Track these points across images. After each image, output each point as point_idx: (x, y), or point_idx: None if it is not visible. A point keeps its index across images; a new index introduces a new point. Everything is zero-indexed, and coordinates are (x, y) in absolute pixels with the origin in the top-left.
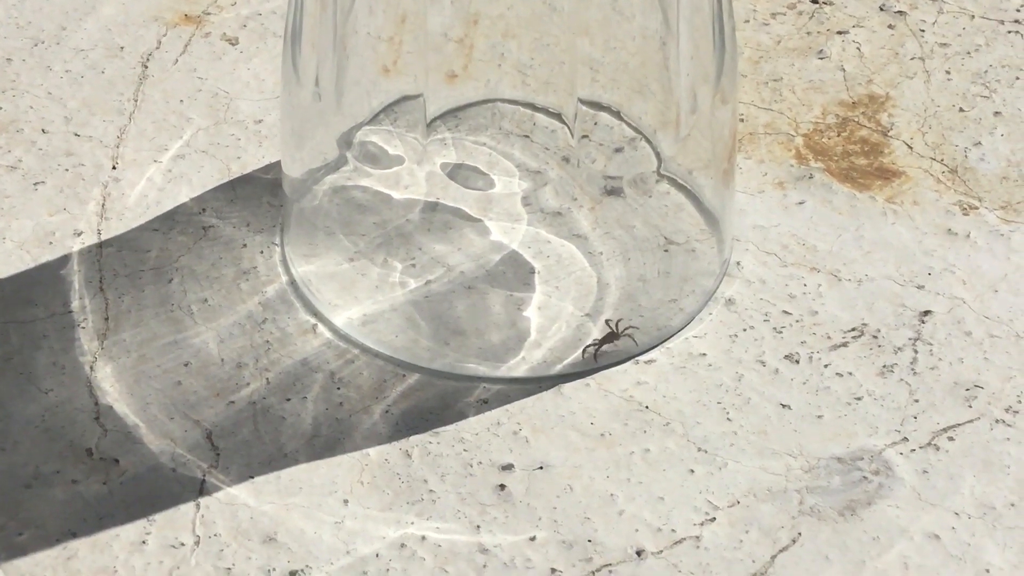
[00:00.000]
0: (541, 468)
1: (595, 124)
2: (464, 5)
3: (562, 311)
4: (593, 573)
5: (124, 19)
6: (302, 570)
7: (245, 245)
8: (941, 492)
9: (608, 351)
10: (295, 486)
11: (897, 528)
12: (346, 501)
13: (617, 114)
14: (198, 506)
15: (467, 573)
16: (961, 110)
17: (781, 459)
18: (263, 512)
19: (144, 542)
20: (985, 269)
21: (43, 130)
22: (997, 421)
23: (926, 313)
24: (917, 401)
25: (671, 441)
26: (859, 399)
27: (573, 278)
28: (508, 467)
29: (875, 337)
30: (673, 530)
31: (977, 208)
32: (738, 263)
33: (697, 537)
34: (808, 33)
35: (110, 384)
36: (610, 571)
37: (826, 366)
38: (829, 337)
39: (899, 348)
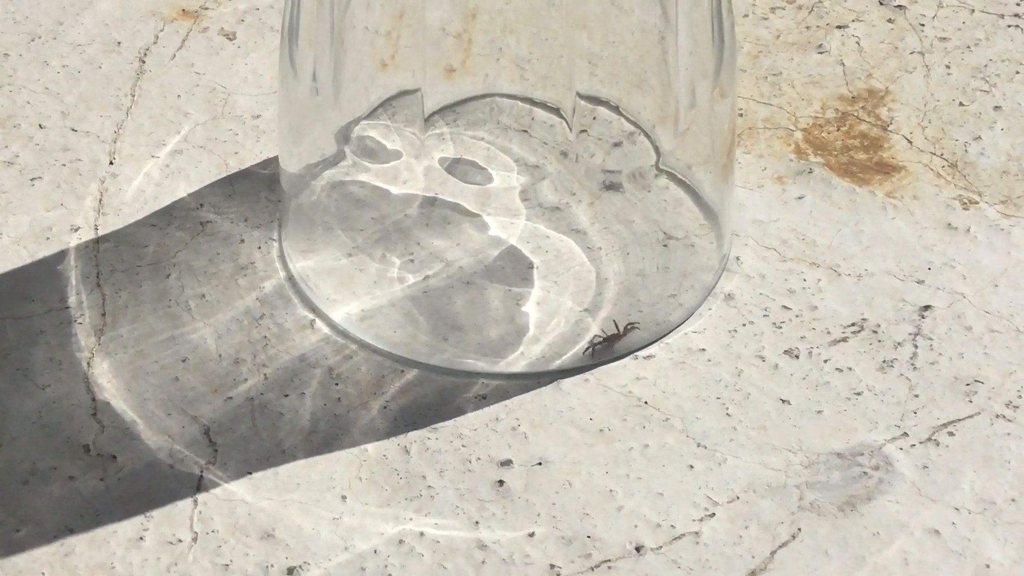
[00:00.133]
0: (540, 464)
1: (594, 119)
2: (462, 0)
3: (561, 306)
4: (592, 569)
5: (121, 14)
6: (300, 566)
7: (243, 240)
8: (941, 487)
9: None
10: (293, 482)
11: (897, 523)
12: (344, 497)
13: (616, 109)
14: (196, 502)
15: (465, 569)
16: (961, 104)
17: (781, 454)
18: (261, 508)
19: (141, 538)
20: (985, 264)
21: (40, 125)
22: (997, 416)
23: (926, 308)
24: (917, 396)
25: (670, 437)
26: (859, 394)
27: (572, 273)
28: (507, 463)
29: (875, 332)
30: (672, 526)
31: (977, 203)
32: (737, 258)
33: (696, 533)
34: (807, 28)
35: (107, 380)
36: (609, 567)
37: (826, 361)
38: (829, 332)
39: (899, 343)
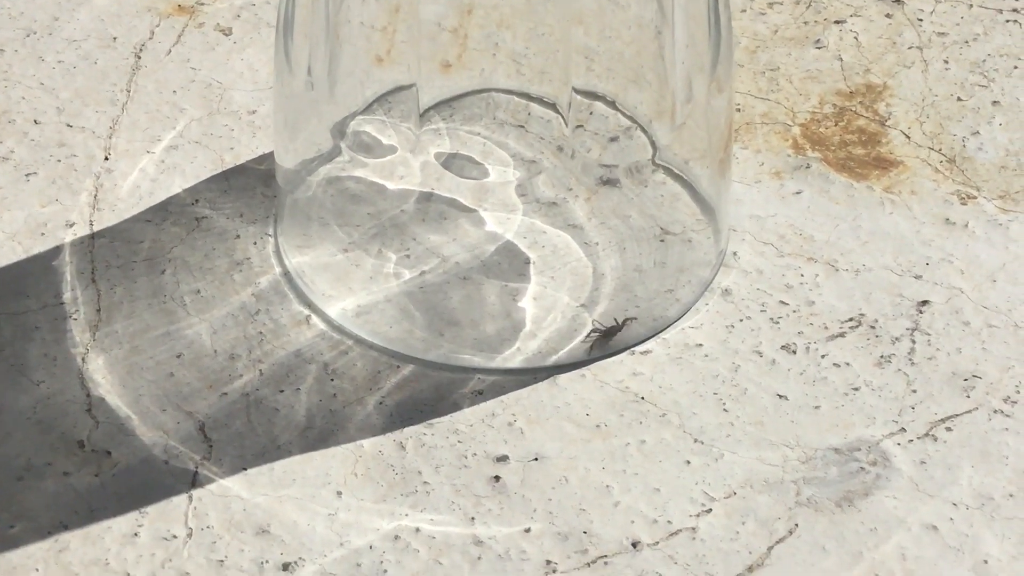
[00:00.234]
0: (536, 459)
1: (590, 113)
2: None
3: (557, 301)
4: (588, 565)
5: (117, 9)
6: (295, 562)
7: (238, 236)
8: (939, 483)
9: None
10: (288, 478)
11: (895, 519)
12: (340, 493)
13: (612, 103)
14: (191, 498)
15: (461, 565)
16: (959, 99)
17: (778, 450)
18: (256, 504)
19: (136, 534)
20: (983, 259)
21: (35, 121)
22: (995, 411)
23: (924, 303)
24: (915, 391)
25: (667, 432)
26: (856, 389)
27: (568, 268)
28: (503, 459)
29: (872, 327)
30: (669, 521)
31: (975, 197)
32: (735, 253)
33: (693, 528)
34: (805, 23)
35: (102, 376)
36: (606, 563)
37: (823, 356)
38: (826, 327)
39: (897, 338)
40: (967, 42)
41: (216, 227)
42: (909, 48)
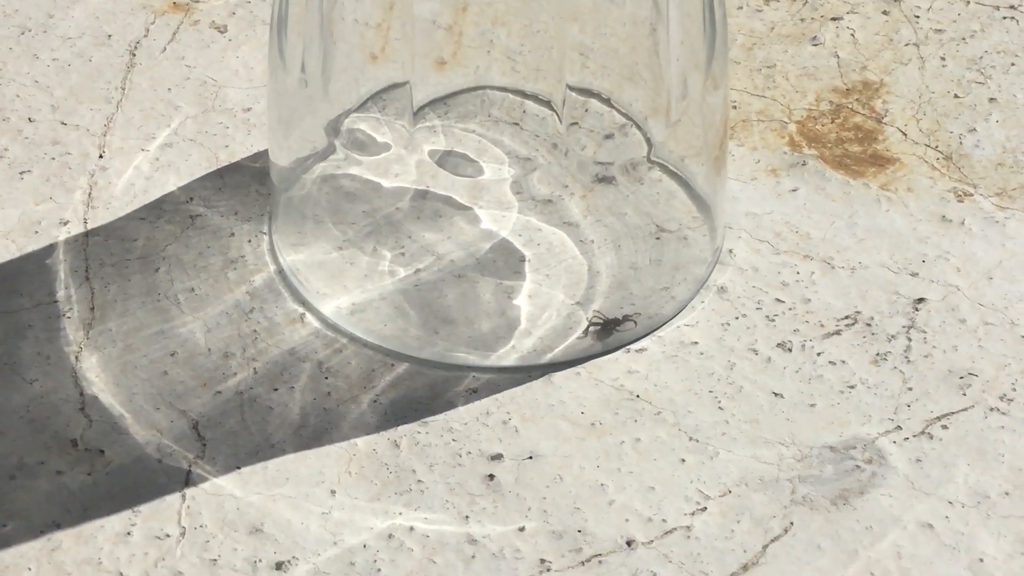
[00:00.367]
0: (531, 458)
1: (585, 111)
2: None
3: (552, 299)
4: (583, 563)
5: (112, 7)
6: (289, 561)
7: (233, 234)
8: (935, 481)
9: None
10: (282, 476)
11: (890, 517)
12: (333, 492)
13: (607, 101)
14: (184, 497)
15: (455, 564)
16: (956, 96)
17: (773, 448)
18: (249, 503)
19: (129, 533)
20: (980, 256)
21: (29, 119)
22: (991, 409)
23: (920, 301)
24: (911, 389)
25: (662, 430)
26: (852, 387)
27: (564, 266)
28: (497, 457)
29: (868, 325)
30: (664, 520)
31: (972, 195)
32: (730, 251)
33: (688, 527)
34: (802, 20)
35: (95, 374)
36: (600, 561)
37: (819, 354)
38: (822, 325)
39: (893, 336)
40: (964, 39)
41: (210, 225)
42: (906, 45)
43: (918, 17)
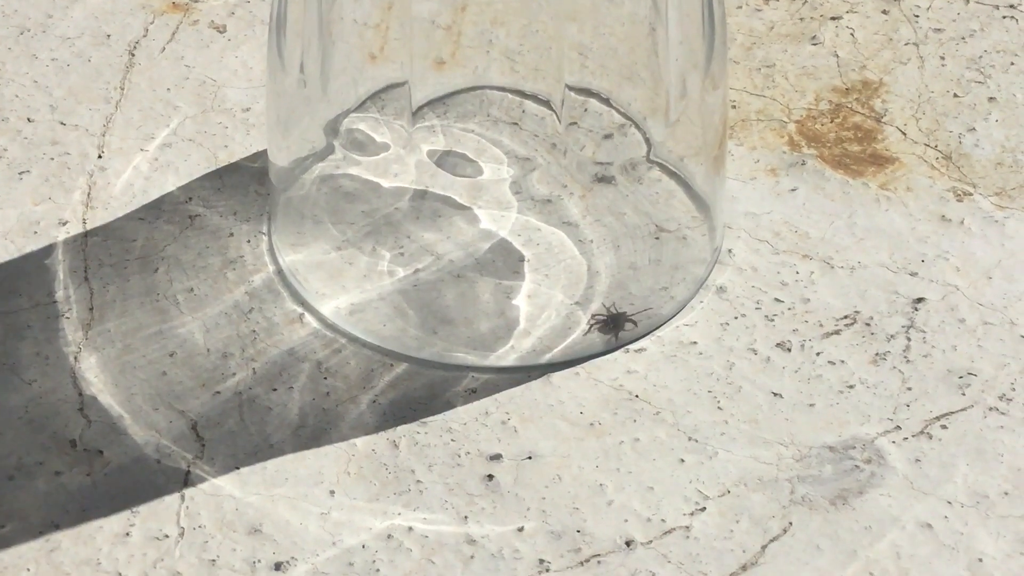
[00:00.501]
0: (530, 458)
1: (584, 111)
2: None
3: (552, 299)
4: (582, 564)
5: (111, 7)
6: (287, 562)
7: (232, 234)
8: (934, 481)
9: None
10: (281, 477)
11: (889, 517)
12: (332, 492)
13: (606, 100)
14: (183, 497)
15: (454, 564)
16: (955, 96)
17: (772, 448)
18: (248, 503)
19: (128, 534)
20: (979, 256)
21: (28, 119)
22: (991, 409)
23: (919, 300)
24: (910, 389)
25: (661, 430)
26: (851, 387)
27: (563, 266)
28: (496, 457)
29: (868, 325)
30: (663, 520)
31: (971, 194)
32: (730, 250)
33: (687, 527)
34: (801, 19)
35: (94, 375)
36: (599, 562)
37: (818, 354)
38: (821, 325)
39: (892, 336)
40: (963, 38)
41: (209, 225)
42: (905, 44)
43: (917, 16)
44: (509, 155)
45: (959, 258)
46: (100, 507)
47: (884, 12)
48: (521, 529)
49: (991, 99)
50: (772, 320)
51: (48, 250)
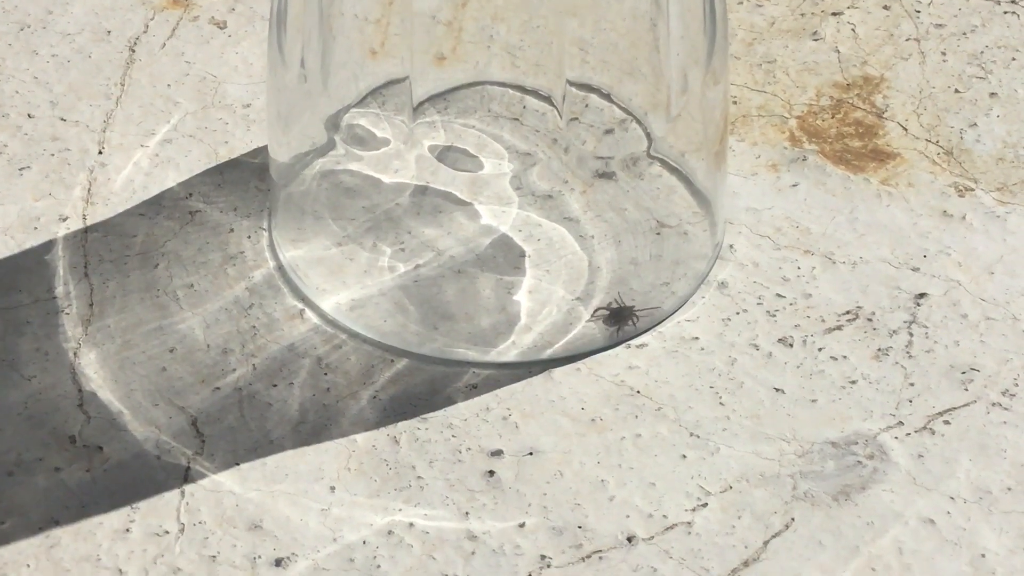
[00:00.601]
0: (531, 454)
1: (585, 106)
2: None
3: (553, 295)
4: (583, 560)
5: (111, 3)
6: (288, 558)
7: (232, 230)
8: (936, 476)
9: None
10: (281, 473)
11: (892, 513)
12: (333, 488)
13: (607, 96)
14: (183, 493)
15: (455, 560)
16: (957, 91)
17: (774, 444)
18: (248, 499)
19: (128, 530)
20: (981, 251)
21: (29, 115)
22: (993, 404)
23: (921, 296)
24: (912, 384)
25: (663, 426)
26: (853, 383)
27: (564, 261)
28: (497, 453)
29: (870, 320)
30: (664, 516)
31: (973, 190)
32: (731, 246)
33: (689, 523)
34: (802, 15)
35: (94, 370)
36: (600, 557)
37: (820, 349)
38: (823, 320)
39: (894, 331)
40: (965, 34)
41: (210, 221)
42: (906, 40)
43: (919, 12)
44: (510, 150)
45: (961, 253)
46: (100, 503)
47: (885, 8)
48: (522, 525)
49: (992, 95)
50: (774, 316)
51: (48, 246)
